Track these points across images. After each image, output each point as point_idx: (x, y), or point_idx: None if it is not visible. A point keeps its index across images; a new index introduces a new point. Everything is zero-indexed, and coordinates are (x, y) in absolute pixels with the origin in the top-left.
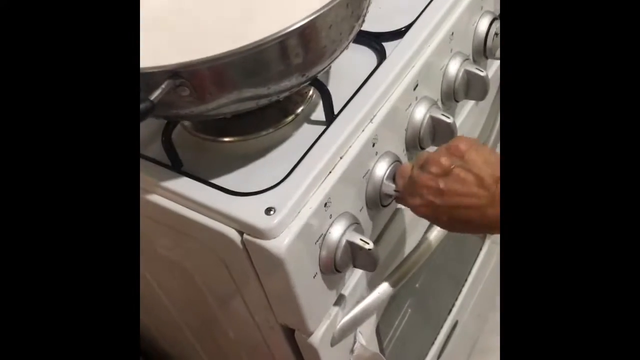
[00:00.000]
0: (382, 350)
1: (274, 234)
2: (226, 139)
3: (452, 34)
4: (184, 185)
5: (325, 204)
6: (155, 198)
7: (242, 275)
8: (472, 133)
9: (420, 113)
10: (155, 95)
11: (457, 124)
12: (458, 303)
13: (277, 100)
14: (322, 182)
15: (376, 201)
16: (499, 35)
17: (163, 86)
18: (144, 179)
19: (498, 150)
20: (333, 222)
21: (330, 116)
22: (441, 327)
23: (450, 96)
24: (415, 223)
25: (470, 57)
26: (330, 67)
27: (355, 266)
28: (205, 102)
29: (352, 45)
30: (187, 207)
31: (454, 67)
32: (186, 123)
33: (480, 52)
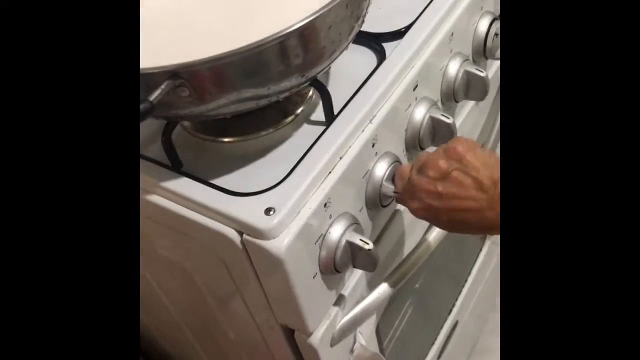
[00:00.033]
0: (382, 350)
1: (274, 234)
2: (226, 139)
3: (452, 34)
4: (183, 185)
5: (325, 204)
6: (155, 198)
7: (242, 275)
8: (472, 133)
9: (420, 113)
10: (154, 95)
11: (457, 124)
12: (458, 303)
13: (277, 100)
14: (322, 182)
15: (376, 201)
16: (499, 36)
17: (162, 87)
18: (144, 179)
19: (498, 151)
20: (333, 222)
21: (330, 116)
22: (441, 327)
23: (450, 96)
24: (415, 223)
25: (470, 58)
26: (330, 68)
27: (355, 266)
28: (205, 103)
29: (352, 46)
30: (186, 208)
31: (454, 68)
32: (186, 123)
33: (480, 53)
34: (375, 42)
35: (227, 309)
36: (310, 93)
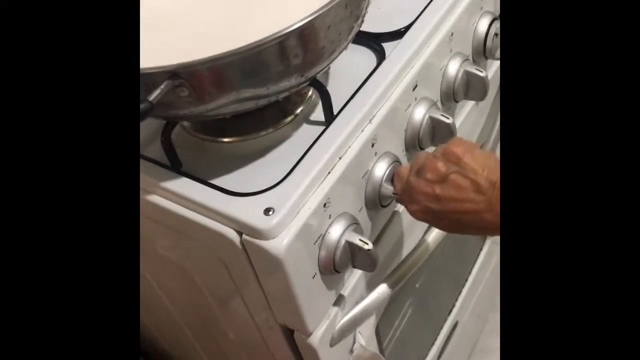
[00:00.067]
0: (381, 350)
1: (273, 234)
2: (225, 140)
3: (452, 34)
4: (183, 185)
5: (325, 204)
6: (154, 198)
7: (242, 275)
8: (472, 133)
9: (419, 113)
10: (154, 95)
11: (457, 124)
12: (458, 303)
13: (277, 100)
14: (321, 182)
15: (375, 201)
16: (498, 36)
17: (162, 87)
18: (144, 179)
19: (498, 151)
20: (332, 222)
21: (330, 116)
22: (441, 327)
23: (450, 97)
24: (414, 224)
25: (470, 58)
26: (329, 68)
27: (354, 266)
28: (205, 103)
29: (352, 46)
30: (186, 208)
31: (454, 68)
32: (185, 123)
33: (480, 53)
34: (375, 42)
35: (227, 309)
36: (310, 93)
